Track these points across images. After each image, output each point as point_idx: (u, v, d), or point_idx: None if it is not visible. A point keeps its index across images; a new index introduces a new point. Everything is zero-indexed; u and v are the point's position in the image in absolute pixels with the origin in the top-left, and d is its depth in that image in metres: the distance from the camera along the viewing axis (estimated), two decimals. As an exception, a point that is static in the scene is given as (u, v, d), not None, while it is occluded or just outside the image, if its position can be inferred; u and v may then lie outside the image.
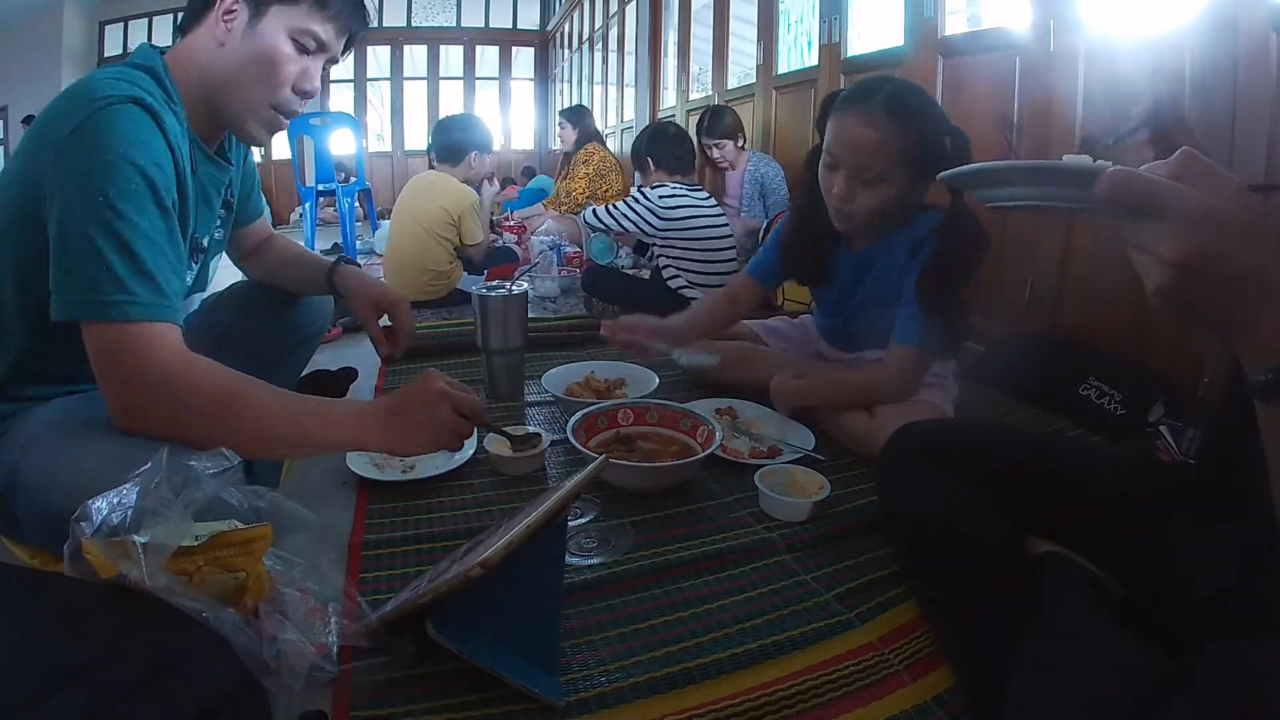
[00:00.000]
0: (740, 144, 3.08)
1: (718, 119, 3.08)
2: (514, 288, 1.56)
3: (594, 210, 2.47)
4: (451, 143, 2.67)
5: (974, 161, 1.20)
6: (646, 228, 2.35)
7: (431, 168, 2.74)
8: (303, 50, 0.95)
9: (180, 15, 0.97)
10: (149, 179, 0.81)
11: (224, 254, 1.21)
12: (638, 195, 2.39)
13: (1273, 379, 0.42)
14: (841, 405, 1.32)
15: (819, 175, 1.28)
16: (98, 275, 0.78)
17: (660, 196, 2.33)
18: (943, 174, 0.63)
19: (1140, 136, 0.88)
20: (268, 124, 0.98)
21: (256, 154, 7.61)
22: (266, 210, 1.35)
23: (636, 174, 2.61)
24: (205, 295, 1.17)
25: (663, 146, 2.48)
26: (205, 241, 1.04)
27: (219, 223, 1.09)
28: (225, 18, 0.91)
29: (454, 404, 0.94)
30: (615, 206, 2.41)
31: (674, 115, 4.57)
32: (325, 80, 1.05)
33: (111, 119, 0.79)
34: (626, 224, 2.38)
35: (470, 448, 1.24)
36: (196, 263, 1.02)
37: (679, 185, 2.39)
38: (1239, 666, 0.48)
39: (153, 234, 0.81)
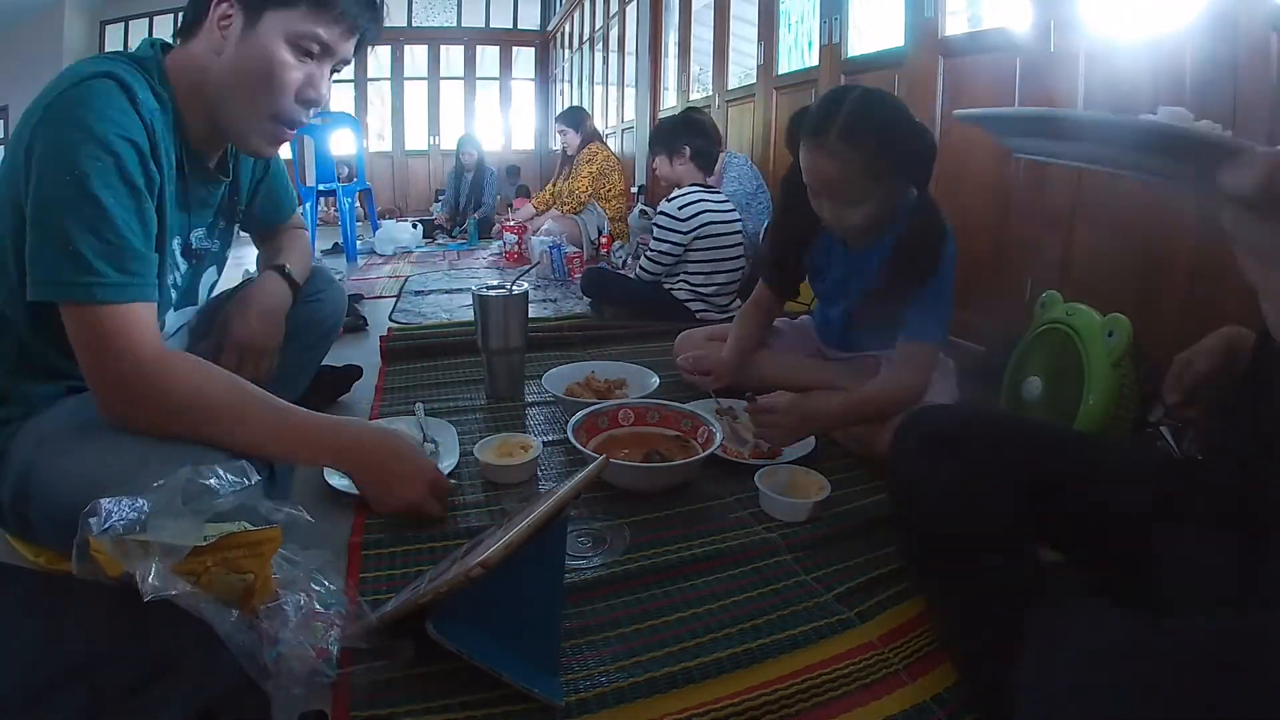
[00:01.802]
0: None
1: (684, 114, 3.04)
2: (514, 288, 1.56)
3: (642, 268, 2.37)
4: None
5: (936, 156, 1.22)
6: (675, 248, 2.27)
7: None
8: (305, 55, 0.88)
9: (181, 16, 0.92)
10: (115, 153, 0.78)
11: (221, 272, 1.16)
12: (657, 221, 2.31)
13: None
14: (860, 422, 1.30)
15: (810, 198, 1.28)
16: (64, 255, 0.77)
17: (679, 207, 2.26)
18: (975, 114, 0.54)
19: None
20: (269, 137, 0.93)
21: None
22: (297, 208, 1.32)
23: (660, 158, 2.47)
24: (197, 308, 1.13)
25: (698, 137, 2.40)
26: (175, 245, 0.97)
27: (208, 234, 1.04)
28: (221, 23, 0.86)
29: (427, 507, 1.02)
30: (651, 248, 2.33)
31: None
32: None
33: (83, 93, 0.77)
34: (669, 259, 2.29)
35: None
36: (193, 264, 0.99)
37: (694, 187, 2.32)
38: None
39: (119, 210, 0.79)
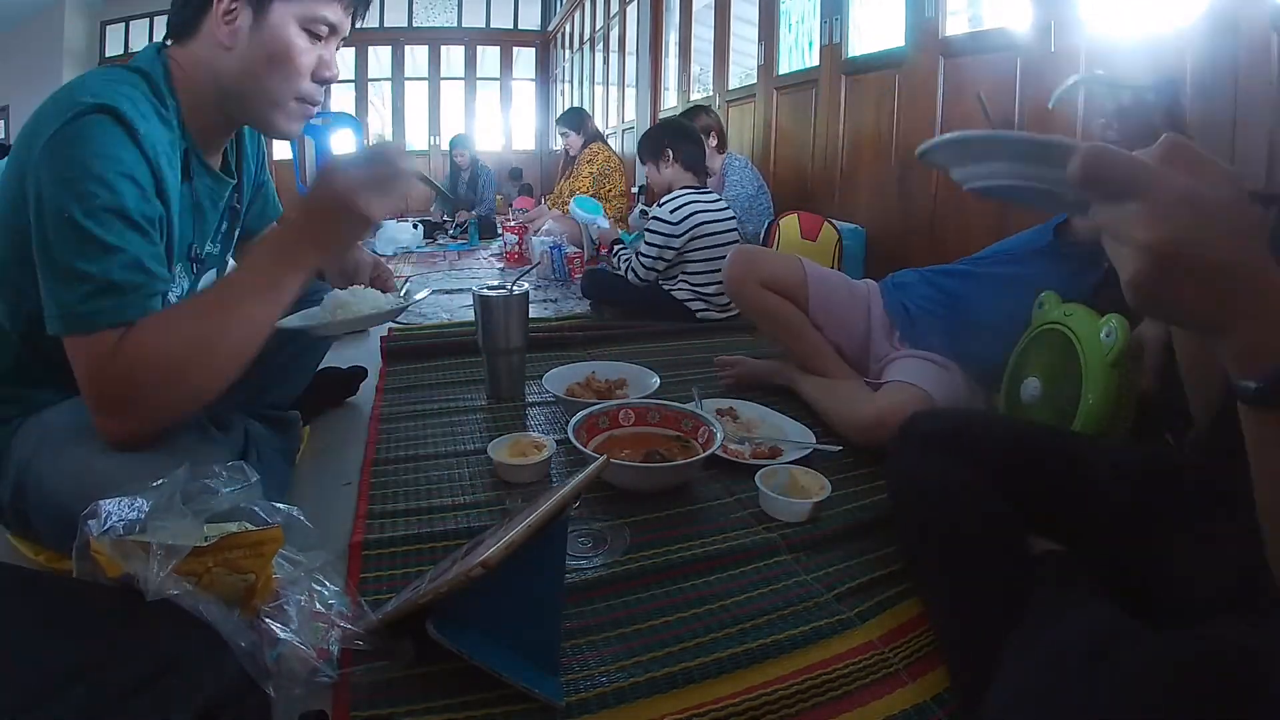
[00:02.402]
0: (715, 144, 2.93)
1: (691, 112, 3.04)
2: (514, 288, 1.57)
3: (634, 272, 2.37)
4: None
5: None
6: (670, 252, 2.29)
7: None
8: (315, 38, 0.93)
9: (172, 16, 0.94)
10: (115, 192, 0.79)
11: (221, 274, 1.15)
12: (649, 225, 2.31)
13: (1263, 385, 0.40)
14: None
15: None
16: (67, 294, 0.78)
17: (670, 210, 2.26)
18: (921, 147, 0.58)
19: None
20: (297, 115, 0.97)
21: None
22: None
23: (648, 166, 2.49)
24: None
25: (682, 140, 2.41)
26: (200, 252, 1.01)
27: (218, 236, 1.06)
28: (225, 19, 0.88)
29: (362, 201, 0.86)
30: (642, 253, 2.32)
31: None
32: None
33: (81, 130, 0.78)
34: (661, 263, 2.31)
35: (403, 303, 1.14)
36: (194, 273, 1.00)
37: (684, 190, 2.33)
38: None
39: (123, 245, 0.80)
